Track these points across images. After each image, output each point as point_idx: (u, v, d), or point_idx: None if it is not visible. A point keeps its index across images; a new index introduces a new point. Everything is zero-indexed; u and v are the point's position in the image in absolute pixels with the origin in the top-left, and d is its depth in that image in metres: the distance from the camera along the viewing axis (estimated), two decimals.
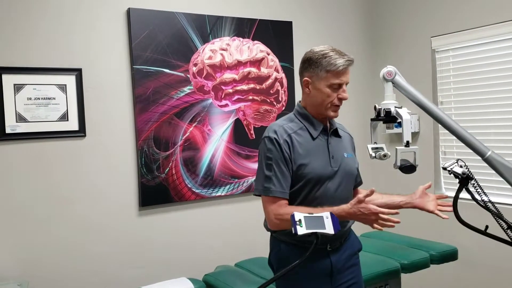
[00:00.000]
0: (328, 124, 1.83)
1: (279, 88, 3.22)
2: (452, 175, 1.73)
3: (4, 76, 2.42)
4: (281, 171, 1.70)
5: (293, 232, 1.42)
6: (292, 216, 1.45)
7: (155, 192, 2.80)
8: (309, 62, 1.74)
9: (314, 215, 1.47)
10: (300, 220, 1.44)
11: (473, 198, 1.69)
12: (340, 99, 1.75)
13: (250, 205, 3.07)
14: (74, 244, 2.60)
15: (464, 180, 1.70)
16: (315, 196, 1.73)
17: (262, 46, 3.15)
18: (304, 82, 1.77)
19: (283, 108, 3.25)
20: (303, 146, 1.74)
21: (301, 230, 1.42)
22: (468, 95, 3.09)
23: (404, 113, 1.89)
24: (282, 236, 1.80)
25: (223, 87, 3.01)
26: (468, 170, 1.70)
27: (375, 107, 1.97)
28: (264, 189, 1.70)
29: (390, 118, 1.93)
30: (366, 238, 2.90)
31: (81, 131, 2.61)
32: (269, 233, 1.88)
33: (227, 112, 3.04)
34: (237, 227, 3.08)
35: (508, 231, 1.65)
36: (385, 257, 2.54)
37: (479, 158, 1.77)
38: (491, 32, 2.88)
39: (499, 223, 1.66)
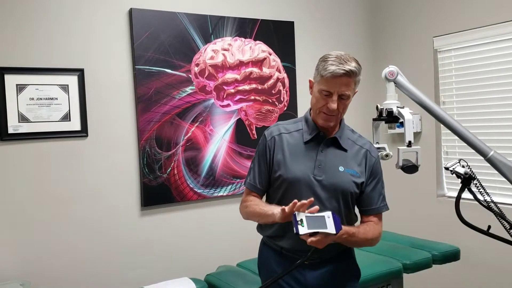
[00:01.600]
0: (330, 132, 1.73)
1: (281, 88, 3.22)
2: (454, 175, 1.73)
3: (6, 76, 2.42)
4: (259, 166, 1.78)
5: (295, 232, 1.42)
6: (294, 216, 1.45)
7: (157, 192, 2.81)
8: (317, 64, 1.70)
9: (316, 214, 1.46)
10: (301, 220, 1.44)
11: (476, 198, 1.69)
12: (329, 109, 1.63)
13: None
14: (76, 244, 2.61)
15: (467, 180, 1.70)
16: (292, 200, 1.57)
17: (264, 46, 3.15)
18: (310, 83, 1.75)
19: (285, 108, 3.25)
20: (292, 147, 1.72)
21: (303, 230, 1.42)
22: (470, 95, 3.08)
23: (406, 113, 1.89)
24: (263, 237, 1.84)
25: (225, 87, 3.01)
26: (470, 170, 1.70)
27: (377, 107, 1.97)
28: (245, 179, 1.85)
29: (392, 118, 1.93)
30: None
31: (83, 131, 2.61)
32: None
33: (229, 112, 3.04)
34: (239, 227, 3.07)
35: (511, 231, 1.65)
36: (387, 257, 2.54)
37: (482, 158, 1.77)
38: (493, 32, 2.88)
39: (501, 223, 1.66)
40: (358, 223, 1.78)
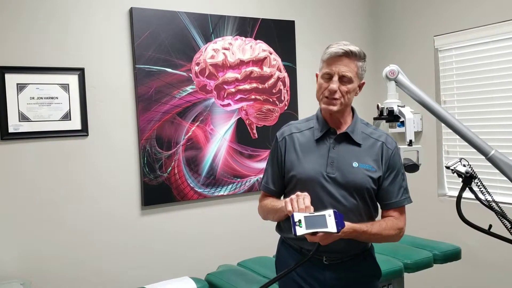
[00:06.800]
0: (342, 127, 1.70)
1: (282, 87, 3.22)
2: (455, 174, 1.72)
3: (7, 76, 2.42)
4: (272, 168, 1.79)
5: (293, 233, 1.40)
6: (292, 216, 1.42)
7: (158, 191, 2.80)
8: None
9: (315, 214, 1.43)
10: (299, 221, 1.40)
11: (477, 198, 1.69)
12: (329, 91, 1.61)
13: (252, 204, 3.05)
14: (76, 244, 2.60)
15: (468, 179, 1.70)
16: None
17: (264, 46, 3.14)
18: (316, 76, 1.72)
19: (286, 107, 3.24)
20: (303, 146, 1.70)
21: (301, 231, 1.38)
22: (471, 94, 3.08)
23: (407, 112, 1.88)
24: (282, 237, 1.81)
25: (226, 87, 3.00)
26: (471, 169, 1.70)
27: (378, 106, 1.96)
28: (261, 181, 1.87)
29: (393, 117, 1.92)
30: None
31: (83, 131, 2.61)
32: (269, 233, 1.87)
33: (230, 112, 3.04)
34: (239, 227, 3.07)
35: None
36: (389, 256, 2.53)
37: (483, 157, 1.76)
38: (494, 31, 2.87)
39: (502, 223, 1.65)
40: (379, 217, 1.75)
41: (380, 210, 1.76)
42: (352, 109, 1.75)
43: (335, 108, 1.64)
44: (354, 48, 1.61)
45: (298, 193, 1.50)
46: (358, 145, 1.67)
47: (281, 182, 1.76)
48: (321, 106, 1.68)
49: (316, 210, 1.47)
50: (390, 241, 1.70)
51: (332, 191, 1.62)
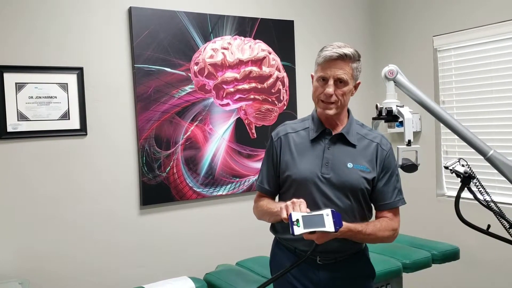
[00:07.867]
0: (337, 127, 1.70)
1: (281, 87, 3.22)
2: (454, 174, 1.72)
3: (5, 75, 2.42)
4: (267, 168, 1.79)
5: (291, 233, 1.40)
6: (290, 216, 1.42)
7: (156, 191, 2.80)
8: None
9: (313, 213, 1.43)
10: (297, 220, 1.40)
11: (475, 198, 1.69)
12: (325, 95, 1.61)
13: (251, 204, 3.04)
14: (75, 243, 2.60)
15: (466, 179, 1.70)
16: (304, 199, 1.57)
17: (263, 45, 3.14)
18: (311, 78, 1.73)
19: (285, 107, 3.24)
20: (299, 146, 1.70)
21: (299, 230, 1.39)
22: (470, 94, 3.08)
23: (406, 112, 1.88)
24: (277, 237, 1.81)
25: (225, 86, 3.00)
26: (470, 169, 1.70)
27: (376, 106, 1.96)
28: (256, 181, 1.89)
29: (391, 117, 1.92)
30: None
31: (82, 130, 2.61)
32: (268, 233, 1.87)
33: (229, 111, 3.04)
34: (238, 226, 3.07)
35: (510, 230, 1.65)
36: (387, 256, 2.53)
37: (481, 157, 1.77)
38: (493, 31, 2.87)
39: (501, 223, 1.66)
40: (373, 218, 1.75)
41: (374, 212, 1.76)
42: (348, 110, 1.75)
43: (331, 112, 1.64)
44: (348, 50, 1.60)
45: (294, 200, 1.48)
46: (353, 146, 1.68)
47: (276, 182, 1.76)
48: (317, 109, 1.68)
49: (311, 211, 1.47)
50: (385, 242, 1.69)
51: (326, 192, 1.63)
